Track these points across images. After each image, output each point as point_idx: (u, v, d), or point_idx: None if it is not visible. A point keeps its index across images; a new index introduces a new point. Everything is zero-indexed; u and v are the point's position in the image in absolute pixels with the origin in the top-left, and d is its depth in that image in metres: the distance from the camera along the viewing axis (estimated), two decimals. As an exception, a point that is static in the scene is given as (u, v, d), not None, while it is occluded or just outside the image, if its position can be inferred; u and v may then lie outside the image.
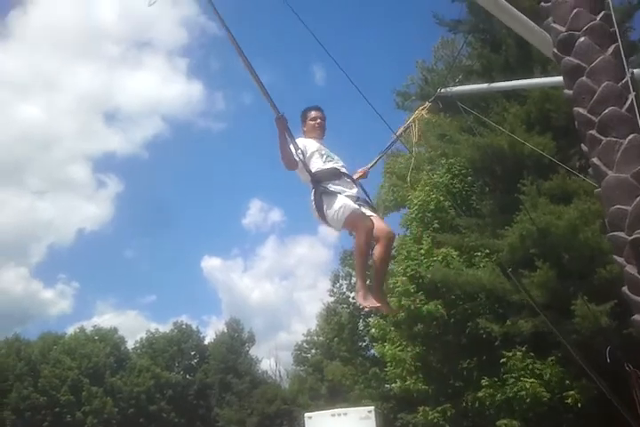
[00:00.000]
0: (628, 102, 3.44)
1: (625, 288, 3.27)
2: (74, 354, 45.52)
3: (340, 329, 38.73)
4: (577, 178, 16.57)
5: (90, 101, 72.54)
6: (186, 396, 48.13)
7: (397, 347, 20.49)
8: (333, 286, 39.66)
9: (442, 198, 20.47)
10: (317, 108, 5.13)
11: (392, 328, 21.46)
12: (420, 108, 9.11)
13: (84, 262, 79.71)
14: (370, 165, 5.75)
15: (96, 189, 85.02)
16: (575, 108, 3.66)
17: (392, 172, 25.19)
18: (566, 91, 3.77)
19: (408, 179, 19.29)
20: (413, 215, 21.43)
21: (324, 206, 4.61)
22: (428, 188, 20.88)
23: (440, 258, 19.11)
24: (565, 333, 13.45)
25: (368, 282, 4.79)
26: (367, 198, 5.00)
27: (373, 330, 24.01)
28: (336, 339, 39.09)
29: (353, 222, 4.51)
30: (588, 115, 3.54)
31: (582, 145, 3.66)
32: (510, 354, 16.47)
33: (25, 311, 69.78)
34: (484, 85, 14.13)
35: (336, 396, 34.65)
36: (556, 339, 15.43)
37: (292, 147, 4.60)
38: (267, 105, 4.31)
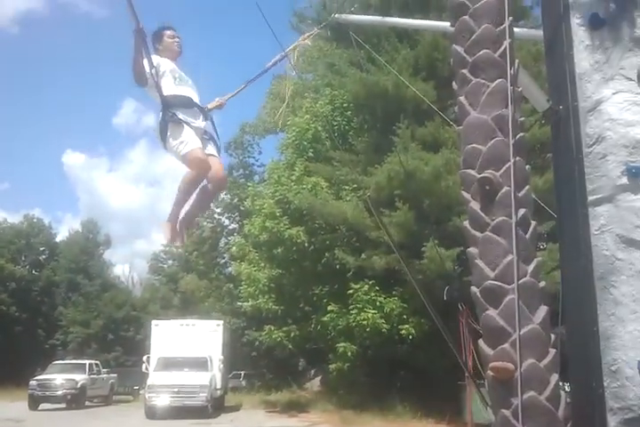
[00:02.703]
0: (502, 48, 3.57)
1: (466, 222, 3.53)
2: None
3: (201, 243, 39.03)
4: (449, 128, 17.26)
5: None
6: (30, 291, 46.75)
7: (254, 267, 21.05)
8: (199, 200, 39.50)
9: (320, 129, 20.66)
10: (173, 29, 4.97)
11: (252, 249, 21.94)
12: (307, 34, 8.78)
13: None
14: (230, 95, 5.60)
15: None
16: (453, 46, 3.78)
17: (276, 94, 24.90)
18: (450, 27, 3.90)
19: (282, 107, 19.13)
20: (290, 141, 21.55)
21: (168, 134, 4.52)
22: (308, 116, 20.96)
23: (309, 186, 19.51)
24: (413, 272, 14.38)
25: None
26: (215, 133, 4.89)
27: (234, 248, 24.40)
28: (195, 252, 39.41)
29: (190, 161, 4.43)
30: (464, 54, 3.68)
31: (453, 83, 3.80)
32: (358, 286, 17.42)
33: None
34: (379, 18, 14.16)
35: (188, 307, 35.27)
36: (402, 277, 16.53)
37: (145, 62, 4.39)
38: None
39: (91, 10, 77.88)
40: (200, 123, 4.67)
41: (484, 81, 3.56)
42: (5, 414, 21.47)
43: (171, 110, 4.51)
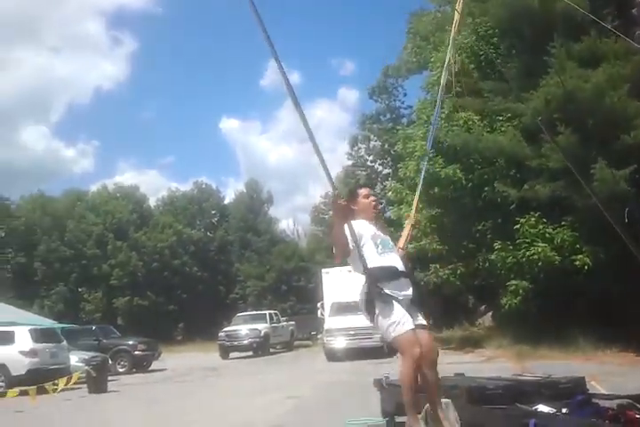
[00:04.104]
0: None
1: None
2: (97, 210, 46.93)
3: (358, 191, 39.44)
4: (608, 40, 15.90)
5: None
6: (207, 252, 50.21)
7: (414, 209, 20.94)
8: (352, 150, 39.86)
9: (466, 61, 19.78)
10: (368, 186, 4.87)
11: (408, 192, 21.78)
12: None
13: (103, 121, 79.51)
14: (414, 212, 5.44)
15: (111, 47, 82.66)
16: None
17: (415, 32, 24.15)
18: None
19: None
20: (435, 78, 20.86)
21: (377, 311, 4.21)
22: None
23: (461, 122, 18.89)
24: (584, 196, 13.57)
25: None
26: (418, 294, 4.46)
27: (390, 193, 24.38)
28: (353, 200, 39.95)
29: (401, 345, 4.10)
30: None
31: None
32: (524, 220, 16.78)
33: (47, 169, 71.13)
34: None
35: (352, 255, 36.06)
36: (571, 204, 15.72)
37: (348, 235, 4.13)
38: None
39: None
40: (407, 293, 4.34)
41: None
42: (201, 363, 23.47)
43: (377, 285, 4.22)
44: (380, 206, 4.49)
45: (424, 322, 4.36)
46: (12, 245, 45.93)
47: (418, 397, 4.14)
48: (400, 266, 4.41)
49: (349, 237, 4.17)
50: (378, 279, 4.23)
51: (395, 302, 4.19)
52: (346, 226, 4.20)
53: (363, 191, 4.66)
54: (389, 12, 69.54)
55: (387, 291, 4.21)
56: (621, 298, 15.25)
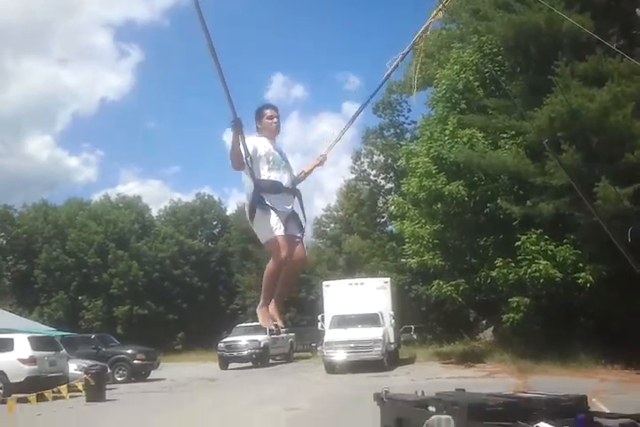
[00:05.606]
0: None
1: None
2: (99, 220, 46.93)
3: (360, 205, 39.55)
4: (612, 59, 16.04)
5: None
6: (208, 262, 50.13)
7: (416, 224, 20.95)
8: (355, 164, 39.95)
9: (471, 78, 19.92)
10: (274, 108, 5.12)
11: (411, 206, 21.84)
12: (434, 12, 7.94)
13: (108, 132, 79.29)
14: (327, 150, 5.56)
15: (118, 58, 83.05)
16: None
17: (420, 49, 24.30)
18: None
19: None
20: (440, 95, 21.00)
21: (256, 216, 4.76)
22: (457, 66, 20.26)
23: (465, 139, 18.97)
24: (587, 214, 13.60)
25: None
26: (301, 211, 5.01)
27: (392, 208, 24.43)
28: (355, 214, 39.99)
29: (270, 248, 4.65)
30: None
31: (637, 10, 3.54)
32: (525, 237, 16.80)
33: (51, 178, 70.93)
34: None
35: (353, 267, 36.05)
36: (573, 222, 15.77)
37: (242, 149, 4.61)
38: None
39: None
40: (287, 207, 4.87)
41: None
42: (200, 374, 23.37)
43: (261, 194, 4.73)
44: (278, 126, 4.91)
45: (299, 235, 4.91)
46: (13, 252, 45.96)
47: (272, 290, 4.80)
48: (285, 182, 4.90)
49: (243, 152, 4.62)
50: (262, 190, 4.74)
51: (272, 212, 4.68)
52: (243, 146, 4.61)
53: (267, 112, 5.03)
54: (395, 28, 69.88)
55: (267, 202, 4.71)
56: (624, 316, 15.25)
